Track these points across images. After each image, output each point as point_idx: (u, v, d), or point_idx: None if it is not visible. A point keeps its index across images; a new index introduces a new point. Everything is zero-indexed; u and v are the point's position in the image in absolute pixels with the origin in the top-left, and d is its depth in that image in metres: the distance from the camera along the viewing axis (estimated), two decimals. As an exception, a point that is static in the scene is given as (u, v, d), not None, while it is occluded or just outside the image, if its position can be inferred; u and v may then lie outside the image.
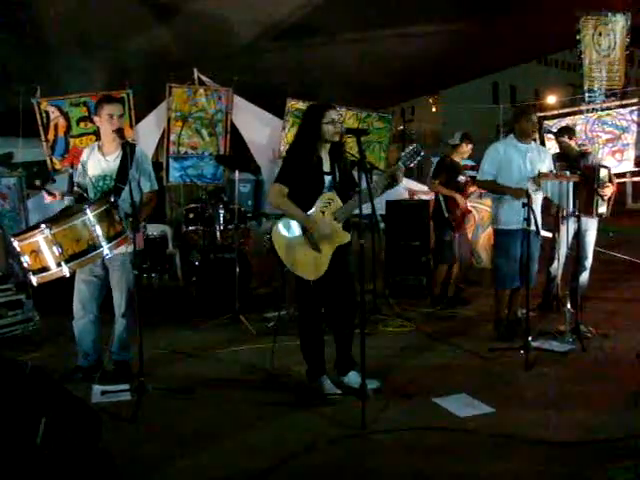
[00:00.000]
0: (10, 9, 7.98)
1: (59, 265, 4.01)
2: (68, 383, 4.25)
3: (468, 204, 7.36)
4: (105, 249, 4.13)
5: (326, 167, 4.35)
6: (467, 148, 7.30)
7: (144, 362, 4.24)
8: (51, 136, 7.79)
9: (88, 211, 4.07)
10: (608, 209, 6.27)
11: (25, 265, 4.12)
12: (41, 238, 3.99)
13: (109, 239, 4.14)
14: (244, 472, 3.26)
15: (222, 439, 3.73)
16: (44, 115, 7.73)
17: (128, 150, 4.55)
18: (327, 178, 4.34)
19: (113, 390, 4.40)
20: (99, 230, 4.09)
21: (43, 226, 3.99)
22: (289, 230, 4.33)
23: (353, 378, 4.42)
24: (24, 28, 8.40)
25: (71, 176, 4.82)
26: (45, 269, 4.04)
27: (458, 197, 7.05)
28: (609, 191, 6.17)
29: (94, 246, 4.09)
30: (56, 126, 7.83)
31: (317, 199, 4.28)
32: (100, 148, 4.78)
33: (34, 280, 4.13)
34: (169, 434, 3.81)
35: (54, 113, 7.76)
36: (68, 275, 4.09)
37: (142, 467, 3.39)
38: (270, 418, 4.03)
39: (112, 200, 4.35)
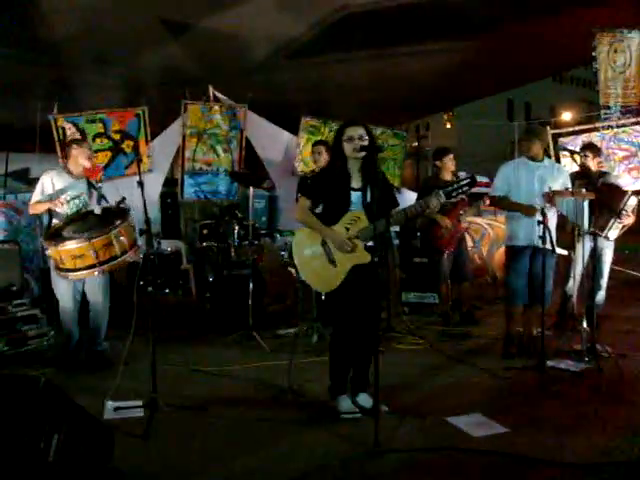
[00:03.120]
0: (27, 26, 8.09)
1: (92, 267, 4.93)
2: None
3: (464, 223, 7.30)
4: (127, 256, 5.04)
5: (355, 184, 4.29)
6: (445, 163, 7.20)
7: (157, 378, 4.23)
8: (67, 152, 7.84)
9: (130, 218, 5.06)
10: (617, 235, 6.23)
11: (62, 265, 4.97)
12: (82, 246, 4.86)
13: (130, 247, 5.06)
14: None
15: (234, 457, 3.70)
16: (60, 131, 7.79)
17: (98, 188, 5.39)
18: (355, 194, 4.26)
19: (126, 406, 4.39)
20: (124, 239, 5.00)
21: (84, 237, 4.91)
22: (310, 240, 4.32)
23: (363, 400, 4.38)
24: (41, 45, 8.50)
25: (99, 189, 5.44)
26: (81, 269, 4.94)
27: (438, 218, 6.81)
28: (629, 221, 6.13)
29: (123, 252, 5.02)
30: (72, 142, 7.88)
31: (343, 215, 4.24)
32: (69, 171, 5.47)
33: (72, 276, 5.06)
34: (181, 452, 3.79)
35: (70, 129, 7.82)
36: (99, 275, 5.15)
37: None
38: (283, 436, 4.01)
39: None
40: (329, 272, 4.24)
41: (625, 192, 6.13)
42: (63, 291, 5.38)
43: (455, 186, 4.11)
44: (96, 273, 4.94)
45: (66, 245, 4.90)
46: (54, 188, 5.35)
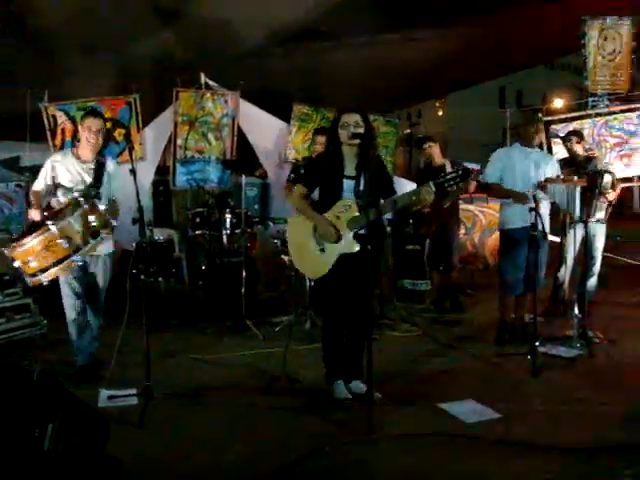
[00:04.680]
0: (15, 13, 8.01)
1: (67, 257, 4.33)
2: (72, 385, 4.28)
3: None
4: (100, 239, 4.51)
5: (349, 171, 4.27)
6: (425, 151, 7.29)
7: (150, 366, 4.25)
8: (58, 141, 7.79)
9: (83, 203, 4.41)
10: (606, 215, 6.27)
11: (31, 267, 4.29)
12: (49, 235, 4.25)
13: (99, 232, 4.49)
14: (250, 476, 3.25)
15: (228, 444, 3.72)
16: (51, 120, 7.74)
17: (102, 162, 4.92)
18: (348, 182, 4.25)
19: (120, 395, 4.40)
20: (94, 222, 4.43)
21: (47, 223, 4.25)
22: (303, 226, 4.35)
23: (356, 386, 4.41)
24: (29, 32, 8.43)
25: (44, 177, 4.96)
26: (52, 265, 4.32)
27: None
28: (612, 196, 6.17)
29: (92, 237, 4.44)
30: (63, 130, 7.84)
31: (334, 203, 4.23)
32: (74, 154, 4.97)
33: (44, 278, 4.36)
34: (176, 440, 3.81)
35: (61, 118, 7.77)
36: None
37: (148, 472, 3.39)
38: (277, 423, 4.03)
39: (92, 194, 4.69)
40: (318, 259, 4.26)
41: (599, 171, 6.12)
42: (65, 285, 4.86)
43: (447, 177, 4.07)
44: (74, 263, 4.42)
45: (25, 243, 4.28)
46: (56, 173, 4.87)
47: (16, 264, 4.30)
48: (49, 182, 4.88)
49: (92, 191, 4.72)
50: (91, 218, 4.37)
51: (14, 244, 4.31)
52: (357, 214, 4.16)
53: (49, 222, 4.19)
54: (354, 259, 4.19)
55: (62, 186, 4.86)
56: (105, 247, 4.90)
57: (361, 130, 4.18)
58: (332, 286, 4.28)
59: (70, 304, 4.84)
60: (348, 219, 4.18)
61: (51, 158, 5.01)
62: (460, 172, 4.02)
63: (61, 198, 4.84)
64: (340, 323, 4.36)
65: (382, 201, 4.18)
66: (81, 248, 4.37)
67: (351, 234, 4.19)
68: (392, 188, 4.37)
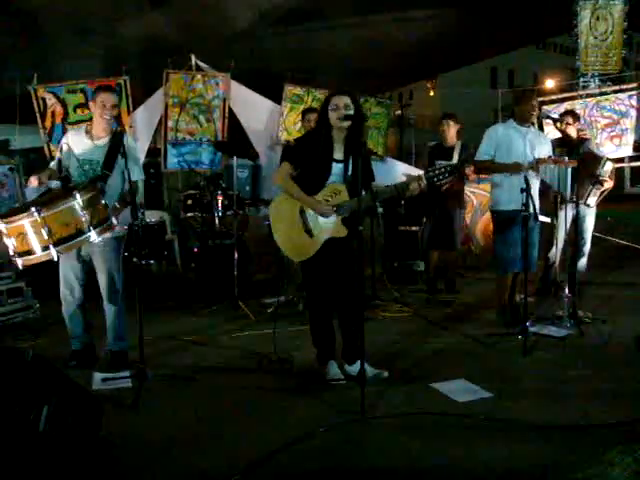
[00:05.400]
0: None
1: (46, 248, 4.01)
2: (66, 369, 4.29)
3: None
4: (92, 234, 4.13)
5: (338, 155, 4.27)
6: (444, 128, 7.09)
7: (144, 349, 4.26)
8: (48, 123, 7.75)
9: (78, 196, 4.07)
10: (597, 201, 6.30)
11: (11, 247, 4.10)
12: (30, 221, 3.99)
13: (96, 225, 4.15)
14: (244, 458, 3.28)
15: (223, 425, 3.75)
16: (41, 102, 7.69)
17: (118, 138, 4.54)
18: (337, 166, 4.26)
19: (113, 377, 4.41)
20: (87, 215, 4.10)
21: (33, 209, 3.98)
22: (288, 206, 4.30)
23: (357, 368, 4.40)
24: (17, 13, 8.36)
25: (59, 161, 4.78)
26: (31, 252, 4.04)
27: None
28: (608, 185, 6.19)
29: (82, 231, 4.10)
30: (53, 113, 7.78)
31: (323, 185, 4.24)
32: (88, 132, 4.75)
33: (19, 262, 4.13)
34: (170, 421, 3.83)
35: (51, 100, 7.72)
36: (56, 259, 4.10)
37: (143, 454, 3.40)
38: (271, 404, 4.05)
39: (99, 186, 4.38)
40: (304, 241, 4.25)
41: (600, 157, 6.17)
42: (61, 274, 4.75)
43: (437, 172, 4.13)
44: (53, 254, 4.05)
45: (12, 221, 4.07)
46: (69, 150, 4.63)
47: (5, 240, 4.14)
48: (56, 166, 4.68)
49: (99, 182, 4.45)
50: (83, 212, 4.08)
51: (2, 219, 4.12)
52: (347, 199, 4.18)
53: (33, 208, 3.98)
54: (340, 242, 4.24)
55: (75, 158, 4.60)
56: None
57: (351, 112, 4.15)
58: (317, 269, 4.30)
59: (61, 290, 4.76)
60: (338, 204, 4.20)
61: (63, 139, 4.82)
62: (449, 169, 4.10)
63: (73, 172, 4.62)
64: (325, 304, 4.37)
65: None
66: (65, 241, 4.07)
67: (339, 219, 4.21)
68: (371, 173, 4.35)
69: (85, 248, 4.59)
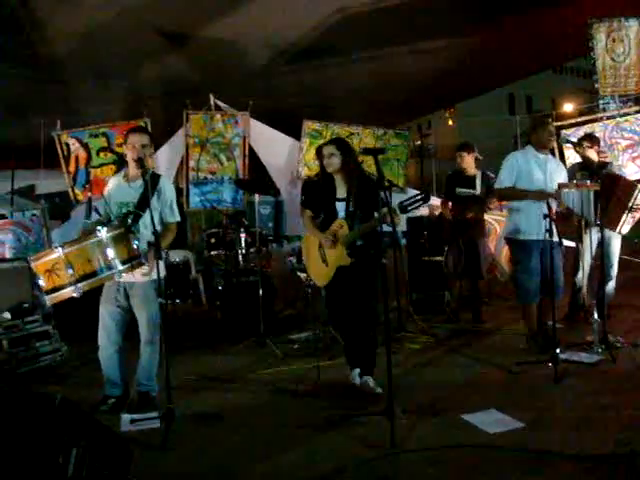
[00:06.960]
0: (28, 44, 8.14)
1: (70, 285, 4.06)
2: (97, 413, 4.30)
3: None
4: (117, 271, 4.16)
5: (341, 193, 4.84)
6: (462, 159, 7.24)
7: (171, 389, 4.25)
8: (72, 168, 7.89)
9: (102, 232, 4.13)
10: (630, 228, 6.18)
11: (42, 285, 4.17)
12: (54, 257, 4.07)
13: (123, 262, 4.18)
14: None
15: (253, 464, 3.71)
16: (65, 147, 7.83)
17: (149, 178, 4.55)
18: (339, 204, 4.82)
19: (142, 418, 4.39)
20: (112, 252, 4.13)
21: (56, 246, 4.12)
22: (313, 242, 5.01)
23: (364, 381, 4.75)
24: (42, 62, 8.55)
25: (89, 200, 4.85)
26: (57, 289, 4.10)
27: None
28: None
29: (106, 267, 4.13)
30: (77, 157, 7.93)
31: (332, 222, 4.82)
32: (125, 175, 4.81)
33: (47, 300, 4.21)
34: (199, 461, 3.80)
35: (74, 145, 7.87)
36: (78, 296, 4.11)
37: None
38: (299, 441, 4.02)
39: (128, 224, 4.44)
40: (322, 269, 4.94)
41: (635, 186, 6.02)
42: (100, 317, 4.71)
43: (410, 201, 4.41)
44: (74, 294, 4.07)
45: (39, 257, 4.16)
46: (109, 195, 4.72)
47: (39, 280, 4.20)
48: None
49: (128, 218, 4.51)
50: (108, 249, 4.10)
51: (33, 257, 4.25)
52: (347, 232, 4.71)
53: (55, 244, 4.13)
54: (350, 270, 4.75)
55: (114, 201, 4.68)
56: (144, 274, 4.54)
57: (335, 160, 4.74)
58: (332, 291, 4.97)
59: (99, 334, 4.72)
60: (341, 237, 4.74)
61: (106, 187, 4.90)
62: (422, 196, 4.41)
63: (113, 216, 4.64)
64: (342, 322, 5.04)
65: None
66: (88, 278, 4.07)
67: (342, 249, 4.73)
68: (377, 203, 4.43)
69: (124, 290, 4.62)
